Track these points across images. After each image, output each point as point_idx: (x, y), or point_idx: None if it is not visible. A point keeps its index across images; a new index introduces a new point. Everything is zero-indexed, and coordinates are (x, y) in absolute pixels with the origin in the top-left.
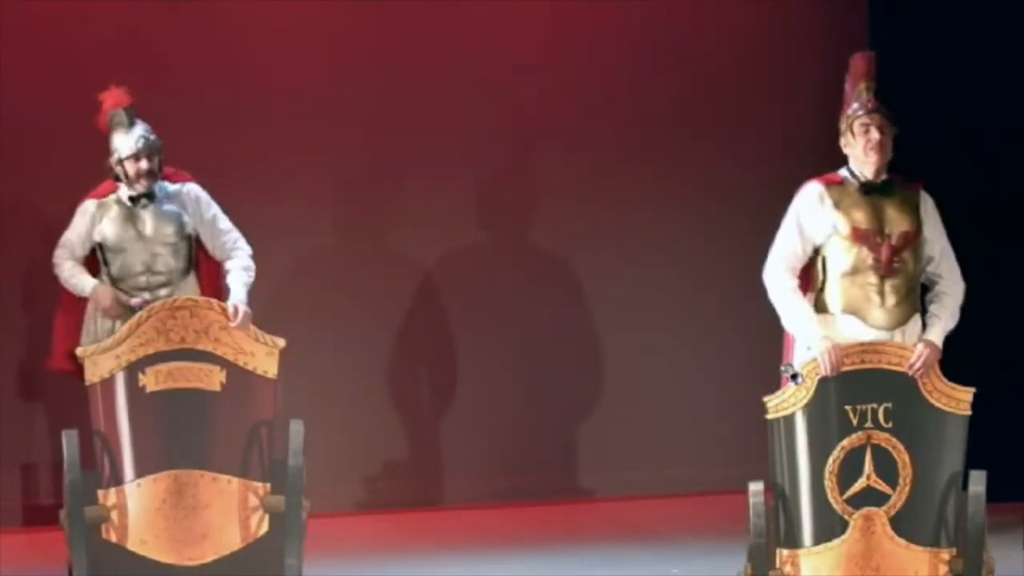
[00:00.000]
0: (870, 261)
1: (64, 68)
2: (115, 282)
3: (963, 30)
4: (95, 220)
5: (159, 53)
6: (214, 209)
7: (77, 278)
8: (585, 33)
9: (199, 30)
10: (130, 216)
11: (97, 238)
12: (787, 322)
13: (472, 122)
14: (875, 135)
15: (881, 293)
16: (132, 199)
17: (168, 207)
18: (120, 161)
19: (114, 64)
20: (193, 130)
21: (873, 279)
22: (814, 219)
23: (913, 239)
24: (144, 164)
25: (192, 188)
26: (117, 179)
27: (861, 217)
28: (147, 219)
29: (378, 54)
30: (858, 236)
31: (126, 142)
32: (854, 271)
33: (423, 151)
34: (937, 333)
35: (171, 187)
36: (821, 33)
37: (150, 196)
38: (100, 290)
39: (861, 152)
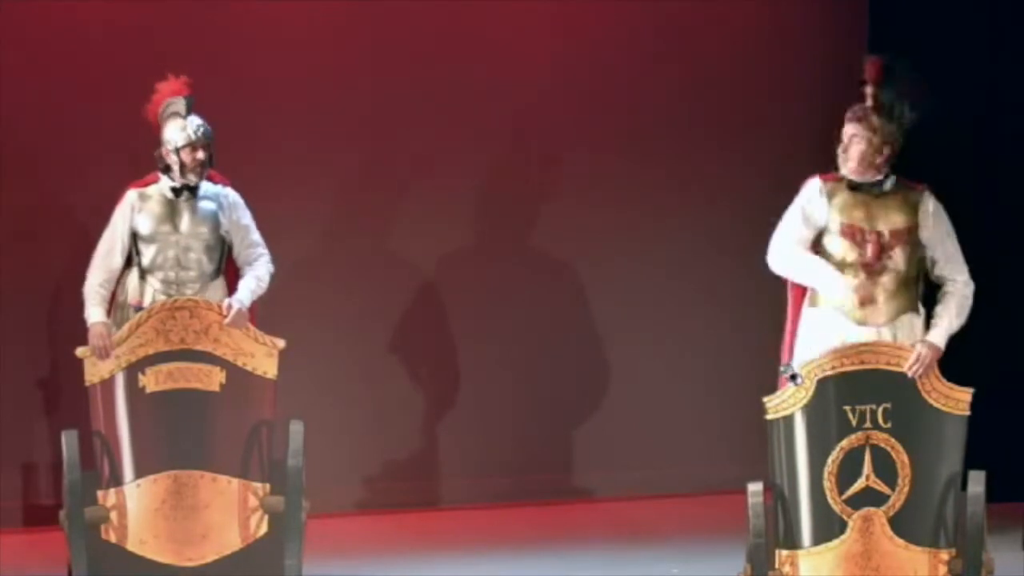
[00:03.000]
0: (858, 257)
1: (64, 70)
2: (144, 273)
3: (963, 30)
4: (135, 210)
5: (159, 53)
6: (248, 218)
7: (89, 304)
8: (585, 33)
9: (197, 31)
10: (169, 209)
11: (133, 228)
12: (805, 277)
13: (472, 122)
14: (845, 140)
15: None
16: (175, 191)
17: (206, 205)
18: (177, 150)
19: (111, 65)
20: None
21: (861, 275)
22: (816, 209)
23: (904, 238)
24: (201, 154)
25: (231, 192)
26: (166, 169)
27: (852, 214)
28: (185, 214)
29: (378, 54)
30: (847, 232)
31: (185, 130)
32: (843, 267)
33: (423, 151)
34: (938, 334)
35: (211, 187)
36: (821, 33)
37: (193, 190)
38: (96, 329)
39: (840, 152)
